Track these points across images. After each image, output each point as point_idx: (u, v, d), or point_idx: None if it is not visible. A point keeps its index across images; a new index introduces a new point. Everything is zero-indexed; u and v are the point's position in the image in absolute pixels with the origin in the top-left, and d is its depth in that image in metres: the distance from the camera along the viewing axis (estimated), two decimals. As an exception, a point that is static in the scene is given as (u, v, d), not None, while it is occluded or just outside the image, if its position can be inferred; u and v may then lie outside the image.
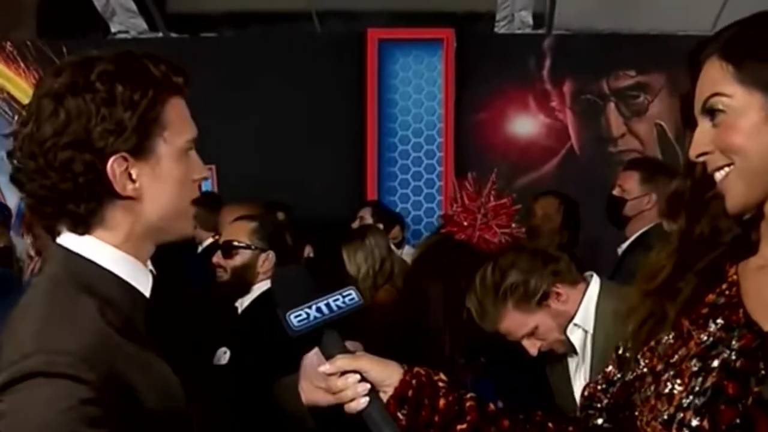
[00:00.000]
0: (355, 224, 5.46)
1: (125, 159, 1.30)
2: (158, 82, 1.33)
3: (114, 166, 1.29)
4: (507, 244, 3.43)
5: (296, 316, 1.41)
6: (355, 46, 7.10)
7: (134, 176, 1.32)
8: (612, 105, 7.31)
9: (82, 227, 1.34)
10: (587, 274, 2.47)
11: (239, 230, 3.22)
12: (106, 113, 1.28)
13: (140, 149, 1.31)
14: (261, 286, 3.13)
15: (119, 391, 1.22)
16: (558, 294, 2.36)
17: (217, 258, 3.21)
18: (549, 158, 7.26)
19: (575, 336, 2.39)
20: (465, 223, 3.64)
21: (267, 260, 3.14)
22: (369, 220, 5.38)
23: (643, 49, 6.87)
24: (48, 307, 1.28)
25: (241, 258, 3.15)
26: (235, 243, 3.16)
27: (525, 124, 7.34)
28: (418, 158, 7.10)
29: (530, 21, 7.27)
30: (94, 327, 1.25)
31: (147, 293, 1.39)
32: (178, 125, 1.35)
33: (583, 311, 2.37)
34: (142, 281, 1.38)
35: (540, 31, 7.31)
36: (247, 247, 3.15)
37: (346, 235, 4.37)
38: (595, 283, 2.41)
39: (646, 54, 6.85)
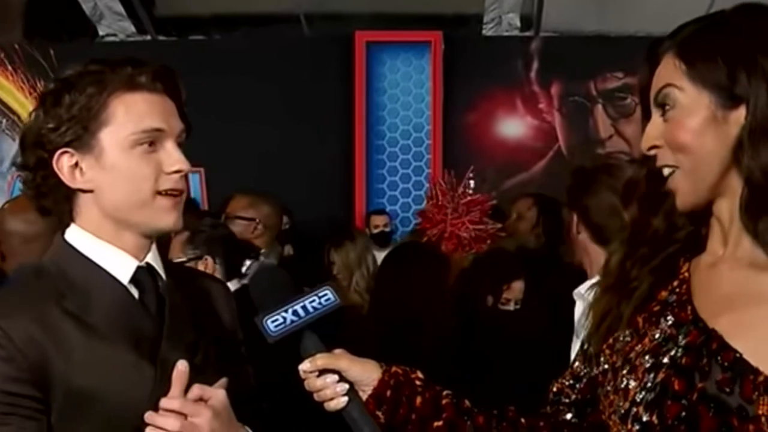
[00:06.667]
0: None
1: (71, 154, 1.43)
2: (105, 81, 1.42)
3: (61, 160, 1.43)
4: (480, 240, 3.42)
5: (273, 321, 1.41)
6: (343, 49, 7.12)
7: (84, 169, 1.43)
8: (599, 106, 7.34)
9: (64, 219, 1.47)
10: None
11: (173, 247, 3.15)
12: (51, 115, 1.42)
13: (83, 144, 1.42)
14: None
15: (38, 362, 1.34)
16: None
17: None
18: (537, 160, 7.28)
19: (576, 305, 2.35)
20: (437, 218, 3.64)
21: (207, 266, 3.09)
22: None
23: (630, 50, 6.76)
24: (11, 285, 1.48)
25: None
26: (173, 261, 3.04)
27: (513, 126, 7.37)
28: (406, 160, 7.11)
29: (518, 23, 7.30)
30: (29, 300, 1.39)
31: (125, 280, 1.46)
32: (123, 119, 1.43)
33: (591, 284, 2.32)
34: (121, 268, 1.46)
35: (527, 34, 7.34)
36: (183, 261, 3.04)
37: (335, 239, 4.35)
38: None
39: (634, 55, 6.77)
